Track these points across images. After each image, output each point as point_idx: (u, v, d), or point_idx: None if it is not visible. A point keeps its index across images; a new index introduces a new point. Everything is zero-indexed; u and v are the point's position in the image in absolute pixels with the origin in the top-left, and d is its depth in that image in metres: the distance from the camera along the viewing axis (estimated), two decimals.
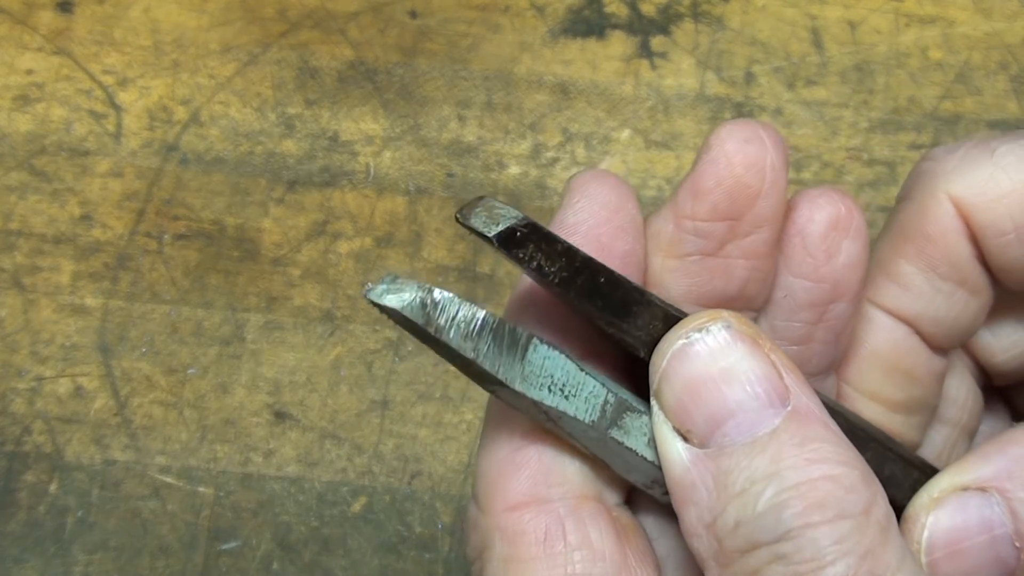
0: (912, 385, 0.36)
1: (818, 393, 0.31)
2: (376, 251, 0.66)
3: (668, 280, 0.33)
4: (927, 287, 0.35)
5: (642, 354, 0.32)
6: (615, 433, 0.31)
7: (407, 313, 0.28)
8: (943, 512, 0.33)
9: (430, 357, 0.63)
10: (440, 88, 0.70)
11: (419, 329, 0.29)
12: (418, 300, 0.28)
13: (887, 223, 0.36)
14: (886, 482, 0.33)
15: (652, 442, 0.32)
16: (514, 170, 0.68)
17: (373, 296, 0.28)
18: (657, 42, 0.71)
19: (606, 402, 0.31)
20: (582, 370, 0.31)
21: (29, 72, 0.70)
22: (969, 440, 0.39)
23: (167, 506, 0.61)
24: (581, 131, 0.69)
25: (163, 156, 0.68)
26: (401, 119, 0.69)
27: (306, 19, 0.72)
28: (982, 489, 0.33)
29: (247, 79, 0.70)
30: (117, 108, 0.69)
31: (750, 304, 0.34)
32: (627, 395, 0.32)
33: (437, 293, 0.29)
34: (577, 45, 0.71)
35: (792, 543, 0.28)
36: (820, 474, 0.29)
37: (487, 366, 0.30)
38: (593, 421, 0.31)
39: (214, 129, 0.69)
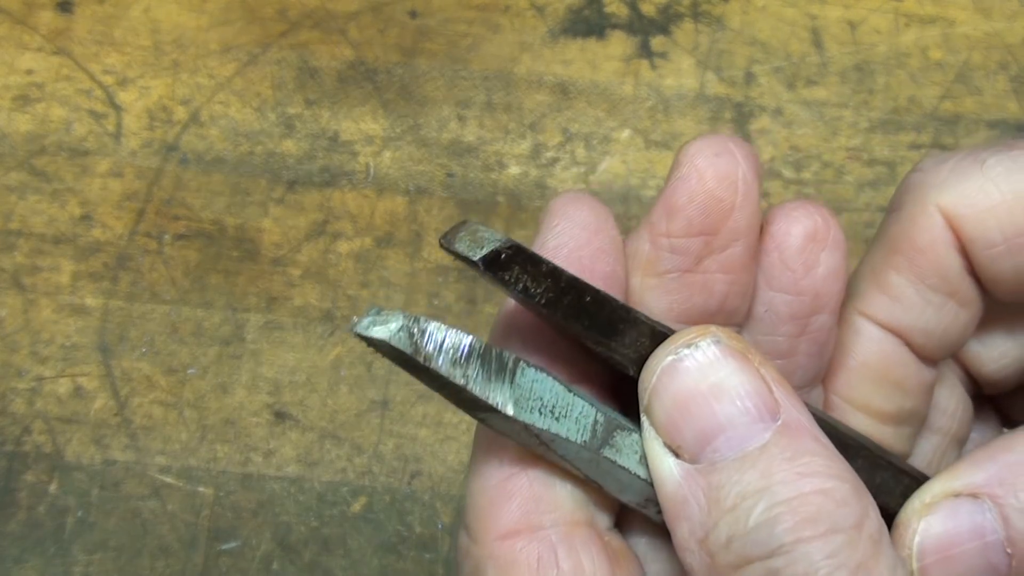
0: (902, 396, 0.36)
1: (807, 405, 0.31)
2: (376, 251, 0.66)
3: (649, 299, 0.33)
4: (917, 299, 0.35)
5: (631, 372, 0.32)
6: (607, 452, 0.31)
7: (395, 343, 0.28)
8: (935, 518, 0.33)
9: None
10: (440, 88, 0.70)
11: (408, 359, 0.29)
12: (405, 330, 0.28)
13: (877, 234, 0.36)
14: (877, 490, 0.33)
15: (644, 460, 0.32)
16: (514, 170, 0.68)
17: (360, 330, 0.28)
18: (657, 42, 0.71)
19: (596, 421, 0.31)
20: (570, 391, 0.31)
21: (29, 72, 0.70)
22: (959, 448, 0.39)
23: (167, 506, 0.61)
24: (581, 131, 0.69)
25: (163, 156, 0.68)
26: (401, 119, 0.69)
27: (306, 19, 0.72)
28: (974, 495, 0.33)
29: (247, 79, 0.70)
30: (117, 108, 0.69)
31: (731, 319, 0.34)
32: (615, 414, 0.32)
33: (423, 321, 0.29)
34: (577, 45, 0.71)
35: (784, 558, 0.28)
36: (811, 488, 0.29)
37: (477, 392, 0.30)
38: (585, 441, 0.31)
39: (214, 129, 0.69)
